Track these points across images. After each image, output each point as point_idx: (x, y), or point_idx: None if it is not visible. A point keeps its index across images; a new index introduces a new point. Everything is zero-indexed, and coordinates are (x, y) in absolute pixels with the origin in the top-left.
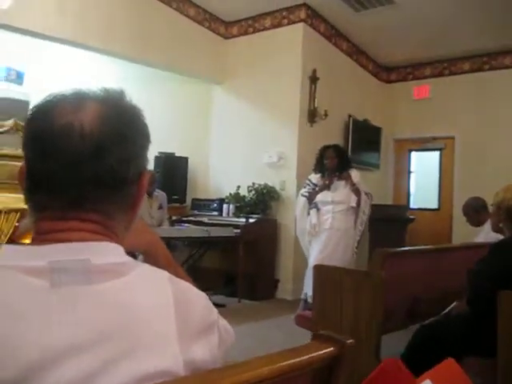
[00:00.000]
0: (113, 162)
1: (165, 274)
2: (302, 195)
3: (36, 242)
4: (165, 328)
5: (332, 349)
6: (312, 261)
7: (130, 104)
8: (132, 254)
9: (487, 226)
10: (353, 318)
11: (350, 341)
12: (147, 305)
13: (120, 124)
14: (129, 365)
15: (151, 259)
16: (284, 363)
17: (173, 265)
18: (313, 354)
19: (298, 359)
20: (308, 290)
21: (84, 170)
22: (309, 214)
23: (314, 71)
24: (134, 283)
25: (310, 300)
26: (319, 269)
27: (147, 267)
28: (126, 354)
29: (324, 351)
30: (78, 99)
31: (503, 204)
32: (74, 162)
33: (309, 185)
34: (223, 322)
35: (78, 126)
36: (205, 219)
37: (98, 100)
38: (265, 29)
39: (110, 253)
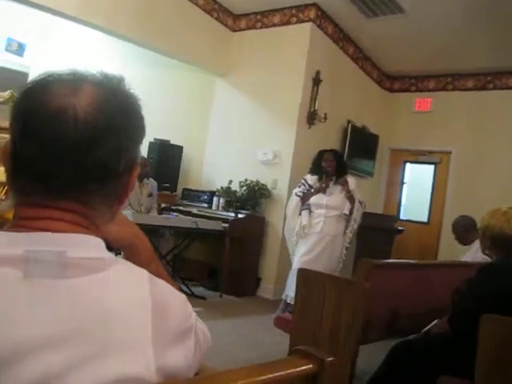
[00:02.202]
0: (104, 154)
1: (144, 272)
2: (296, 194)
3: (14, 227)
4: (139, 331)
5: (311, 366)
6: (296, 262)
7: (129, 93)
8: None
9: (475, 245)
10: (332, 326)
11: (330, 358)
12: (123, 305)
13: (116, 113)
14: (97, 367)
15: (134, 253)
16: (259, 378)
17: (155, 261)
18: (290, 371)
19: (272, 375)
20: (289, 291)
21: (73, 159)
22: (300, 214)
23: (318, 73)
24: (111, 280)
25: (290, 301)
26: (303, 272)
27: (127, 264)
28: (96, 356)
29: (302, 368)
30: (75, 81)
31: (487, 231)
32: (64, 150)
33: (304, 185)
34: (201, 325)
35: (71, 111)
36: (194, 210)
37: (96, 84)
38: (273, 25)
39: (88, 246)
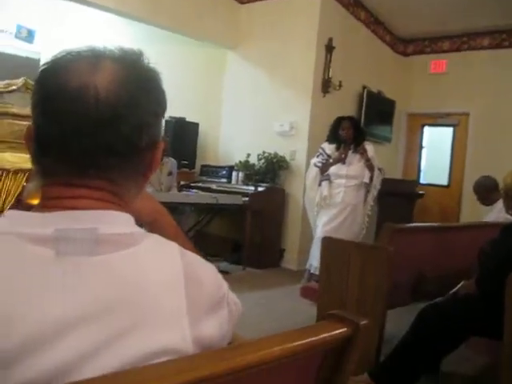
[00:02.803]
0: (126, 130)
1: (175, 245)
2: (315, 165)
3: (42, 208)
4: (174, 303)
5: (345, 329)
6: (319, 232)
7: (148, 67)
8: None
9: (498, 205)
10: (358, 291)
11: (364, 322)
12: (155, 278)
13: (137, 89)
14: (134, 340)
15: (157, 229)
16: (296, 343)
17: (181, 236)
18: (326, 335)
19: (310, 339)
20: (313, 261)
21: (97, 136)
22: (320, 184)
23: (330, 40)
24: (143, 255)
25: (314, 271)
26: (327, 241)
27: (157, 238)
28: (132, 329)
29: (337, 331)
30: (94, 59)
31: (511, 192)
32: (87, 127)
33: (322, 154)
34: (231, 294)
35: (93, 89)
36: (213, 186)
37: (115, 60)
38: None
39: (118, 222)
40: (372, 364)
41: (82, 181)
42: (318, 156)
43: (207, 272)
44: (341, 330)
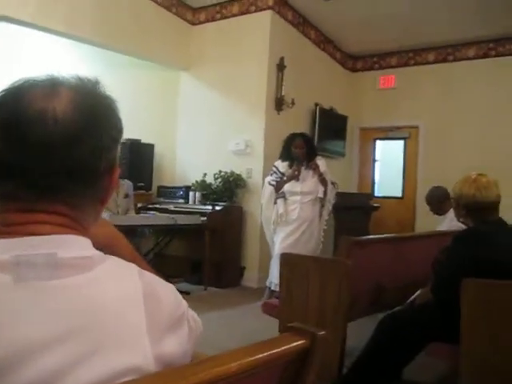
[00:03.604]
0: (85, 153)
1: (134, 267)
2: (270, 184)
3: (2, 234)
4: (134, 323)
5: (303, 341)
6: (276, 249)
7: (105, 94)
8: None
9: (450, 214)
10: (319, 306)
11: (322, 333)
12: (115, 300)
13: (94, 114)
14: (97, 362)
15: (114, 253)
16: (253, 358)
17: (137, 258)
18: (284, 347)
19: (267, 353)
20: (273, 278)
21: (56, 160)
22: (275, 202)
23: (282, 59)
24: (102, 277)
25: (274, 288)
26: (286, 257)
27: (116, 260)
28: (94, 351)
29: (295, 344)
30: (51, 85)
31: (461, 200)
32: (46, 151)
33: (276, 173)
34: (191, 312)
35: (51, 113)
36: (171, 207)
37: (72, 87)
38: (232, 15)
39: (77, 246)
40: (335, 377)
41: (40, 206)
42: (271, 174)
43: (166, 291)
44: (299, 342)
